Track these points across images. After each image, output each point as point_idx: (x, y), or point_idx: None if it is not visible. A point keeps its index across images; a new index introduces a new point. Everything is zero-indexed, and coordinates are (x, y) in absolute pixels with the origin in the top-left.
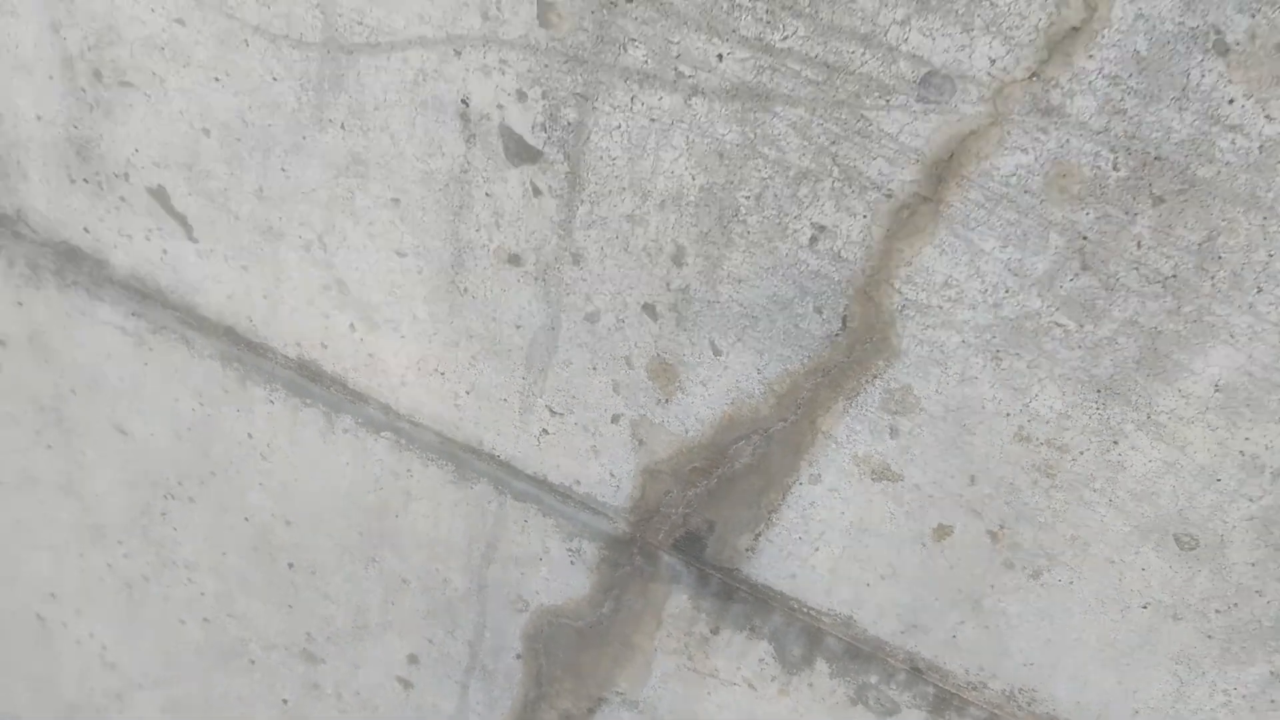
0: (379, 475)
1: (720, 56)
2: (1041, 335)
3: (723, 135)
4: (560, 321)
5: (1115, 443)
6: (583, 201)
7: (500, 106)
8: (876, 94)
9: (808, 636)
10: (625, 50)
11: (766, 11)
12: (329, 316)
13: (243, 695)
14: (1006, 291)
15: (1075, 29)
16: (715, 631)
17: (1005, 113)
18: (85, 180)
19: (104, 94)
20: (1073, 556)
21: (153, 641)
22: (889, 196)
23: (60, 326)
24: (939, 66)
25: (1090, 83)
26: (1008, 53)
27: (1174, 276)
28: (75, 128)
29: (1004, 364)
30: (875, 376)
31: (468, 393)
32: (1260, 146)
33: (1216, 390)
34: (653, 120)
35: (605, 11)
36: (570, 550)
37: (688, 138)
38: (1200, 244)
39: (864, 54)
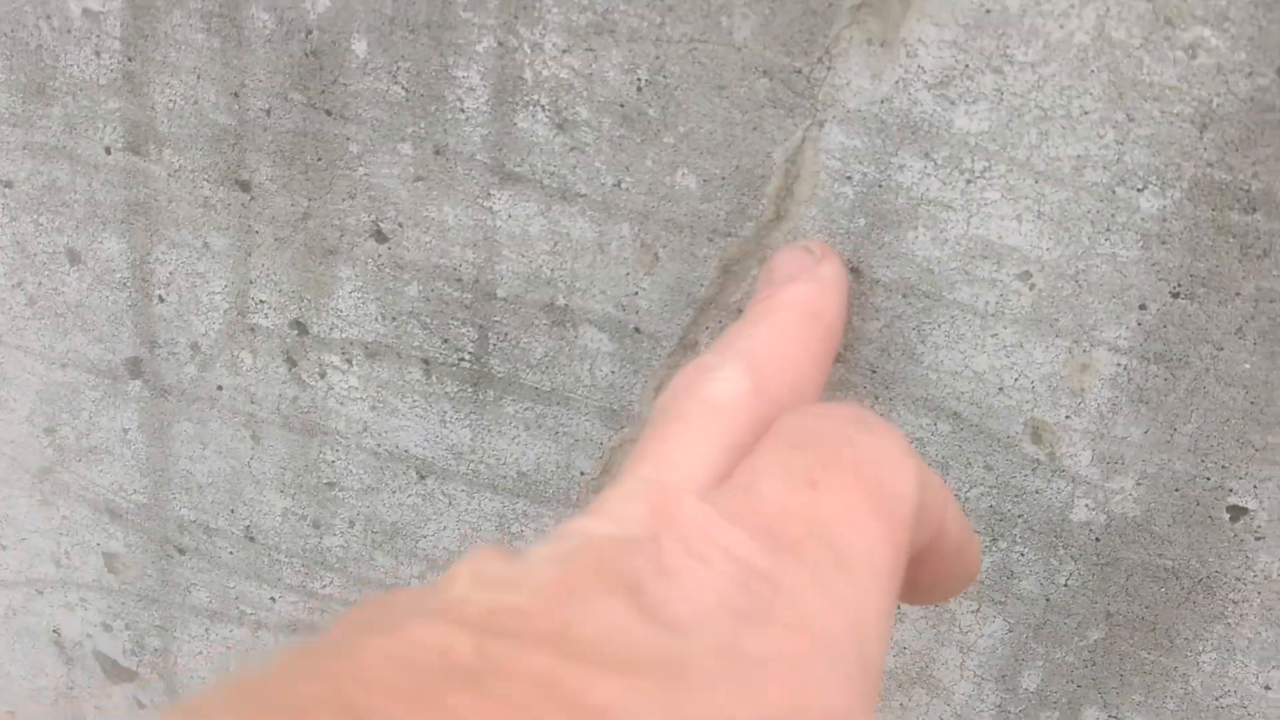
0: None
1: (273, 599)
2: None
3: None
4: None
5: None
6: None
7: (90, 636)
8: None
9: None
10: (190, 592)
11: (303, 566)
12: None
13: None
14: None
15: None
16: None
17: None
18: None
19: None
20: None
21: None
22: None
23: None
24: None
25: None
26: None
27: None
28: None
29: None
30: None
31: None
32: None
33: None
34: (228, 648)
35: (165, 562)
36: None
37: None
38: None
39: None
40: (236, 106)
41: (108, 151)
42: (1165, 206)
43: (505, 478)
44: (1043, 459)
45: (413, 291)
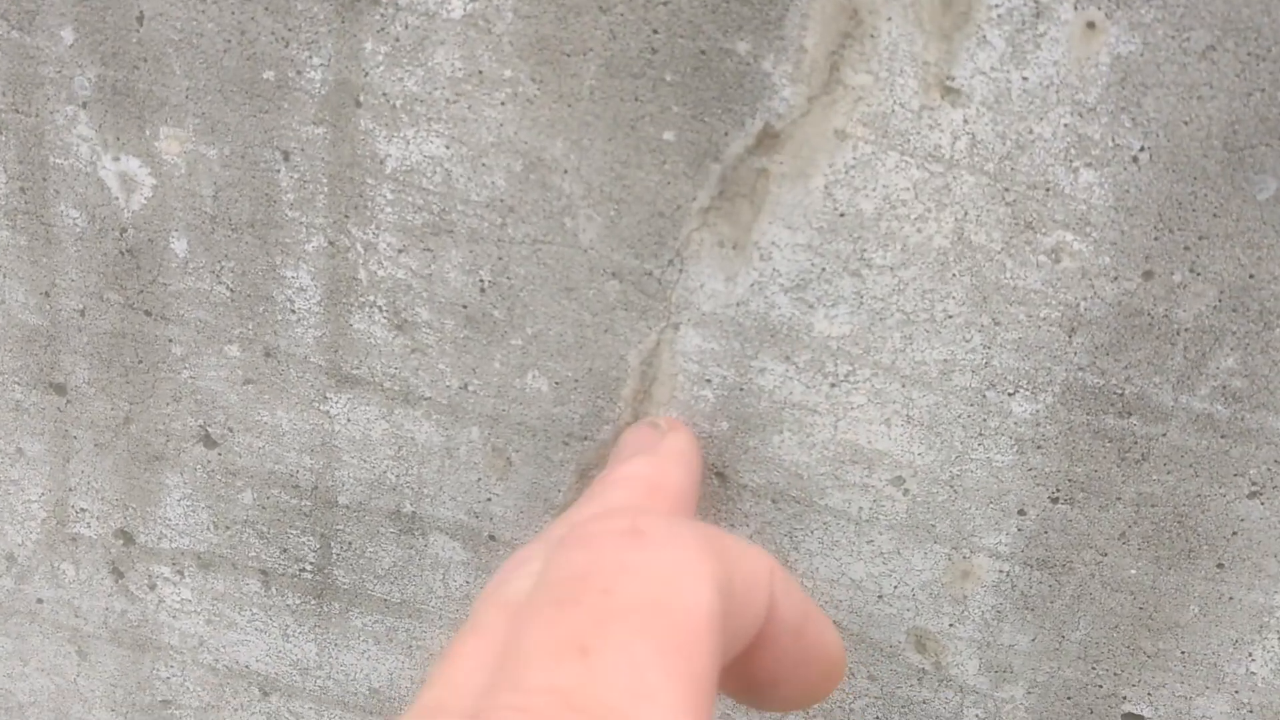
0: None
1: None
2: None
3: None
4: None
5: None
6: None
7: None
8: None
9: None
10: None
11: None
12: None
13: None
14: None
15: None
16: None
17: None
18: None
19: None
20: None
21: None
22: None
23: None
24: None
25: None
26: None
27: None
28: None
29: None
30: None
31: None
32: None
33: None
34: None
35: None
36: None
37: None
38: None
39: None
40: (48, 306)
41: None
42: (1038, 411)
43: (356, 694)
44: (928, 668)
45: (247, 499)
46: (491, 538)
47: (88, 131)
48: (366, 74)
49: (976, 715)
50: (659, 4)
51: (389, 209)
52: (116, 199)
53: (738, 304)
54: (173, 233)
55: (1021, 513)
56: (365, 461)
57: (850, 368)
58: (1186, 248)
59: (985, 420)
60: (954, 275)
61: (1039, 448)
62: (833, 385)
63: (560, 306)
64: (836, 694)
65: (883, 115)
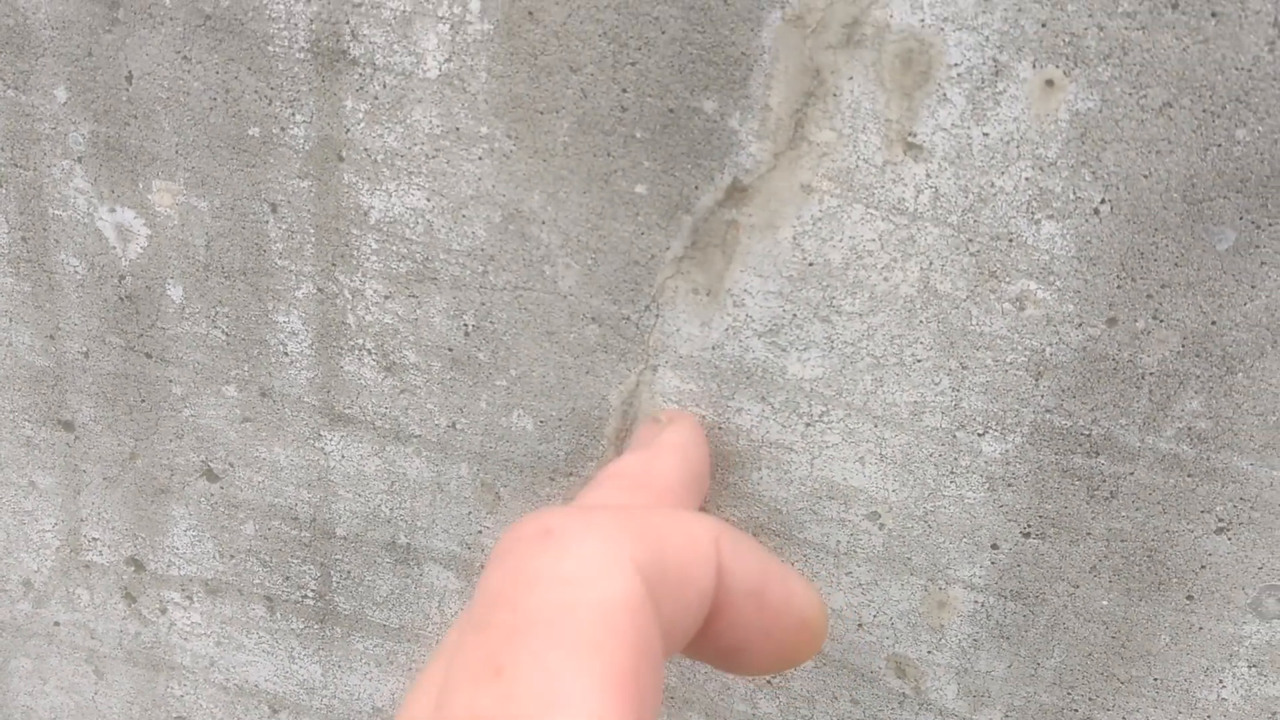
0: None
1: None
2: None
3: None
4: None
5: None
6: None
7: None
8: None
9: None
10: None
11: None
12: None
13: None
14: None
15: None
16: None
17: None
18: None
19: None
20: None
21: None
22: None
23: None
24: None
25: None
26: None
27: None
28: None
29: None
30: None
31: None
32: None
33: None
34: None
35: None
36: None
37: None
38: None
39: None
40: (53, 349)
41: None
42: (1008, 451)
43: (360, 713)
44: (909, 693)
45: (249, 530)
46: (483, 568)
47: (84, 184)
48: (348, 130)
49: None
50: (627, 64)
51: (374, 257)
52: (114, 248)
53: (713, 347)
54: (168, 280)
55: (994, 547)
56: (360, 495)
57: (824, 408)
58: (1149, 295)
59: (956, 459)
60: (921, 322)
61: (1010, 485)
62: (808, 425)
63: (542, 349)
64: (822, 717)
65: (847, 170)
